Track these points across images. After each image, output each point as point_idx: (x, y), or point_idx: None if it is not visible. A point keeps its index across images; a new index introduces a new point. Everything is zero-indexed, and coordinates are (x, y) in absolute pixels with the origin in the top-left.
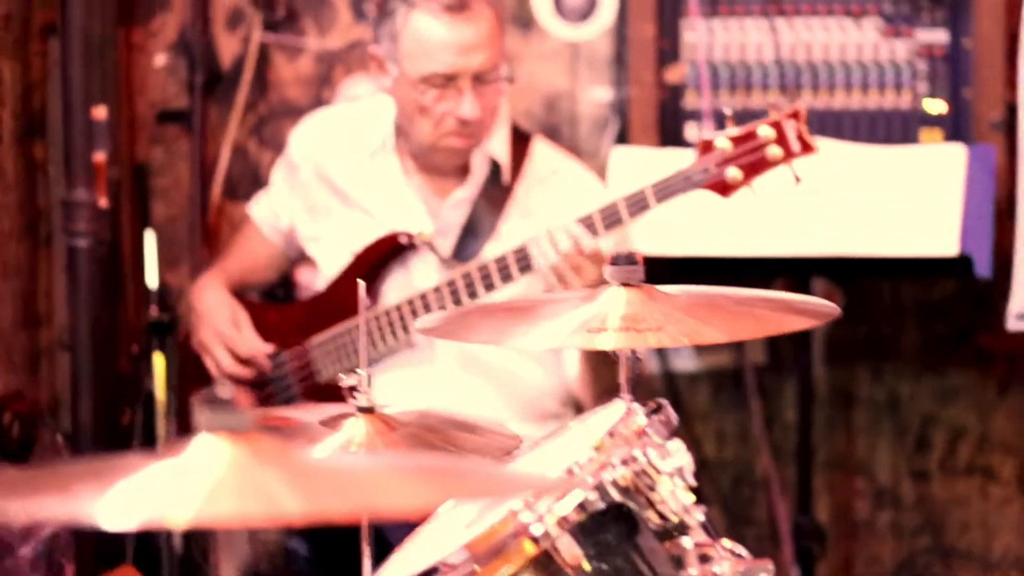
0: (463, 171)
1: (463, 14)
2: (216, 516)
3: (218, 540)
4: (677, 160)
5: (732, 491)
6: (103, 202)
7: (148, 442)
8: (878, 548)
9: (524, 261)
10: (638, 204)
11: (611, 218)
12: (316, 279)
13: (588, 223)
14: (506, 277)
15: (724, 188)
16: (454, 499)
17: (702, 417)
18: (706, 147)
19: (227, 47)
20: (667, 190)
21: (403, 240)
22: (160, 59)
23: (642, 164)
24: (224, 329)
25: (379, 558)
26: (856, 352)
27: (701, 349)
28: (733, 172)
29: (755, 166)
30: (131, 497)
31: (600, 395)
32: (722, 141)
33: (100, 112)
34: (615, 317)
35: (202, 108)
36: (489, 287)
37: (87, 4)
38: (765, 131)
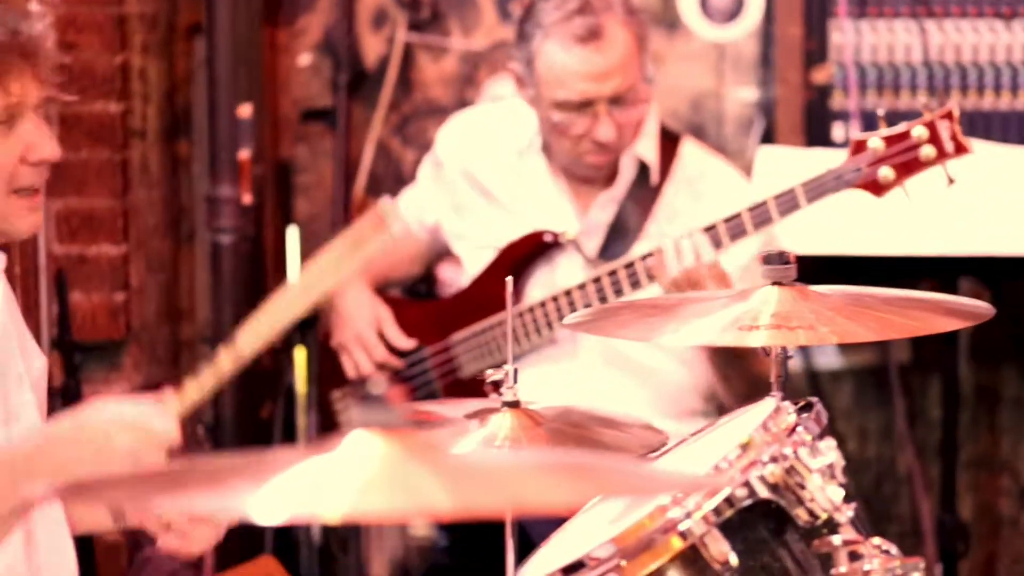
0: (610, 177)
1: (595, 43)
2: (368, 512)
3: (369, 534)
4: (824, 161)
5: (874, 489)
6: (247, 199)
7: (288, 436)
8: (1022, 546)
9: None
10: (788, 203)
11: (760, 217)
12: (459, 276)
13: (737, 222)
14: (652, 276)
15: (876, 188)
16: (602, 496)
17: (845, 415)
18: (859, 146)
19: (371, 47)
20: (818, 189)
21: (547, 238)
22: (305, 58)
23: (788, 164)
24: (364, 332)
25: (519, 553)
26: (1002, 351)
27: (845, 347)
28: (885, 172)
29: (908, 166)
30: (284, 492)
31: (741, 393)
32: (875, 141)
33: (245, 110)
34: (766, 315)
35: (346, 107)
36: (635, 285)
37: (233, 5)
38: (919, 131)
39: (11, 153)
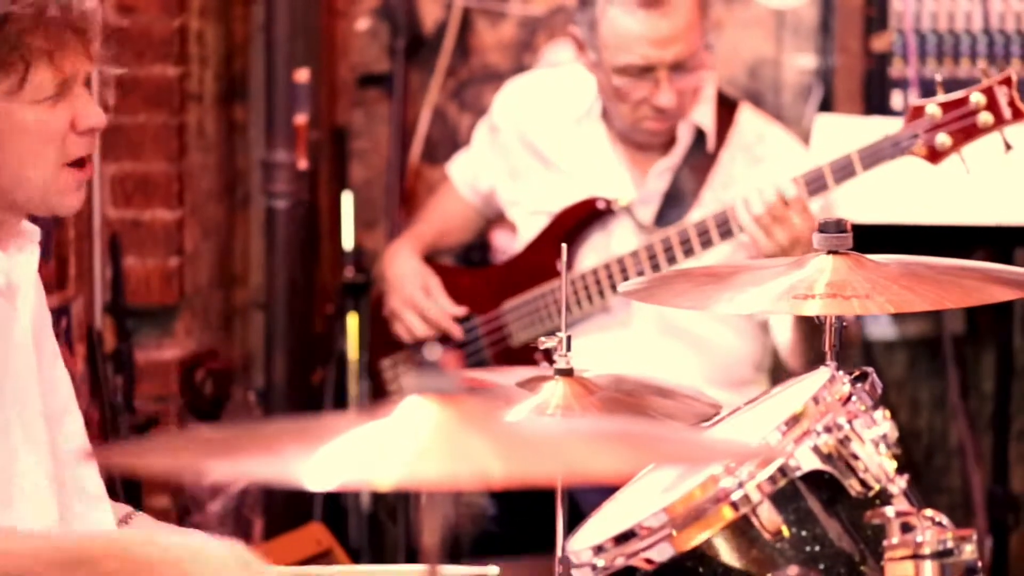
0: (667, 144)
1: (658, 8)
2: (422, 478)
3: (421, 501)
4: (882, 129)
5: (925, 460)
6: (303, 164)
7: (339, 402)
8: None
9: (725, 226)
10: (844, 170)
11: (815, 184)
12: (513, 242)
13: None
14: (706, 243)
15: (933, 155)
16: (655, 465)
17: (898, 385)
18: (916, 113)
19: (429, 12)
20: (874, 156)
21: (600, 205)
22: (362, 23)
23: (846, 132)
24: (414, 294)
25: (568, 523)
26: None
27: (899, 318)
28: (942, 138)
29: (965, 133)
30: (337, 458)
31: (810, 362)
32: (932, 107)
33: (302, 75)
34: (821, 284)
35: (403, 72)
36: (688, 252)
37: None
38: (976, 97)
39: (61, 123)
